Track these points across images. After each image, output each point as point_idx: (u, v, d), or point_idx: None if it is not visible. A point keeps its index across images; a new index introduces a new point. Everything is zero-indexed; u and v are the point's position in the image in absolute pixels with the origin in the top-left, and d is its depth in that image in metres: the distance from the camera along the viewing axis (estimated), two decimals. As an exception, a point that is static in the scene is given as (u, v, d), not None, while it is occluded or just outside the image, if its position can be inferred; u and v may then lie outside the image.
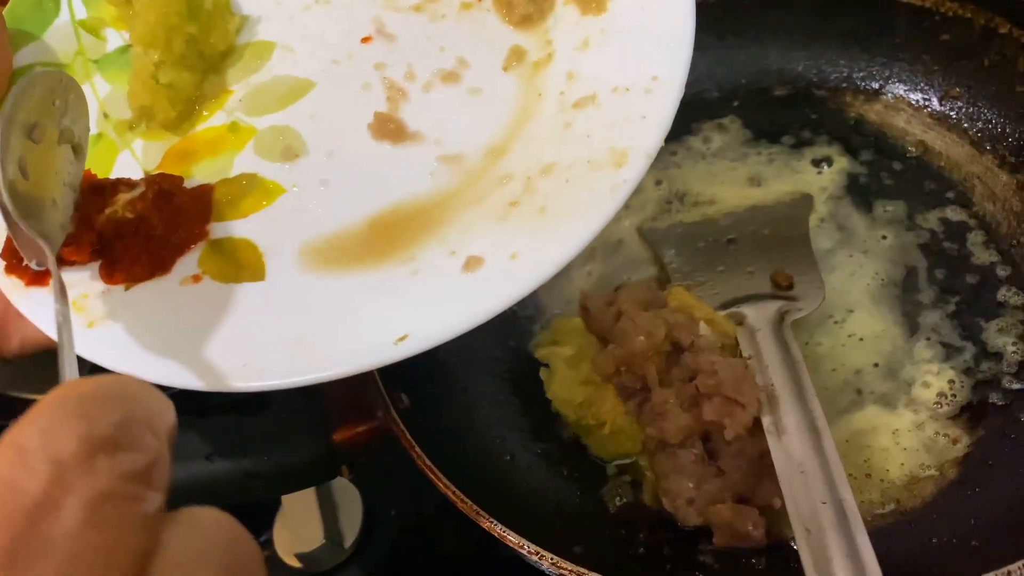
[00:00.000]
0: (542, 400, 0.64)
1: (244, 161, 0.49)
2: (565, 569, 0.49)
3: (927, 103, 0.74)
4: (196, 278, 0.45)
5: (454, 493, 0.52)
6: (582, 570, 0.48)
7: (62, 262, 0.44)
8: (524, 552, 0.50)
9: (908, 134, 0.74)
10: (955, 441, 0.59)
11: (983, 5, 0.70)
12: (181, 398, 0.59)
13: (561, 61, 0.50)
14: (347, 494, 0.71)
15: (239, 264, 0.46)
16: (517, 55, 0.51)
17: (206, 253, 0.46)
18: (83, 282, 0.45)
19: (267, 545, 0.71)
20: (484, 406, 0.65)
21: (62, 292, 0.38)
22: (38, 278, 0.45)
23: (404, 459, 0.56)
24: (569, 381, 0.62)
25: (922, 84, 0.75)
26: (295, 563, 0.69)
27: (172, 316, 0.44)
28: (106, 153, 0.50)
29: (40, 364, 0.62)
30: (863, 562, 0.46)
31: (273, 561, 0.70)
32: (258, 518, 0.72)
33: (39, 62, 0.52)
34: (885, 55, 0.76)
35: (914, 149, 0.74)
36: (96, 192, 0.45)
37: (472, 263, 0.43)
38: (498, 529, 0.50)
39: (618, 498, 0.60)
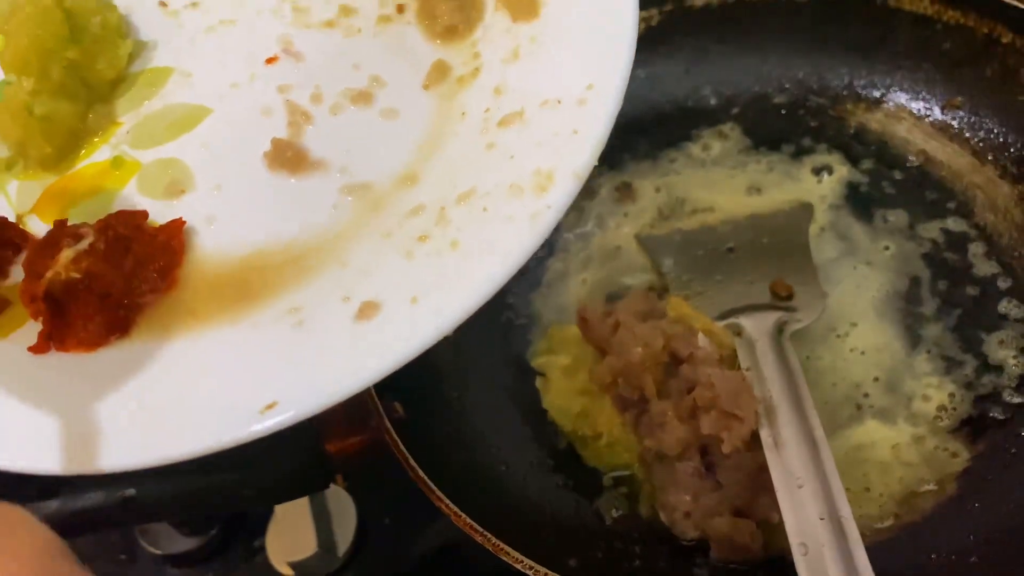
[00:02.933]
0: (538, 410, 0.63)
1: (126, 199, 0.44)
2: (559, 582, 0.48)
3: (928, 112, 0.74)
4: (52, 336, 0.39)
5: (448, 507, 0.52)
6: (577, 585, 0.48)
7: None
8: (519, 568, 0.49)
9: (909, 143, 0.74)
10: (955, 455, 0.59)
11: (985, 14, 0.70)
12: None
13: (488, 75, 0.45)
14: (341, 502, 0.71)
15: None
16: (440, 71, 0.46)
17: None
18: None
19: (260, 553, 0.70)
20: (479, 415, 0.64)
21: None
22: None
23: (399, 467, 0.55)
24: (565, 391, 0.62)
25: (924, 93, 0.74)
26: (288, 571, 0.69)
27: (18, 387, 0.38)
28: None
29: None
30: (861, 578, 0.45)
31: (266, 569, 0.70)
32: (251, 525, 0.72)
33: None
34: (887, 63, 0.75)
35: (915, 158, 0.73)
36: (37, 251, 0.40)
37: (367, 310, 0.37)
38: (492, 543, 0.50)
39: (614, 510, 0.60)
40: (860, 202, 0.72)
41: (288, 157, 0.44)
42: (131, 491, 0.54)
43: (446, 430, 0.62)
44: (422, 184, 0.42)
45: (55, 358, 0.39)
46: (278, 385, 0.36)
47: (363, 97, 0.46)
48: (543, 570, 0.48)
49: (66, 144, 0.46)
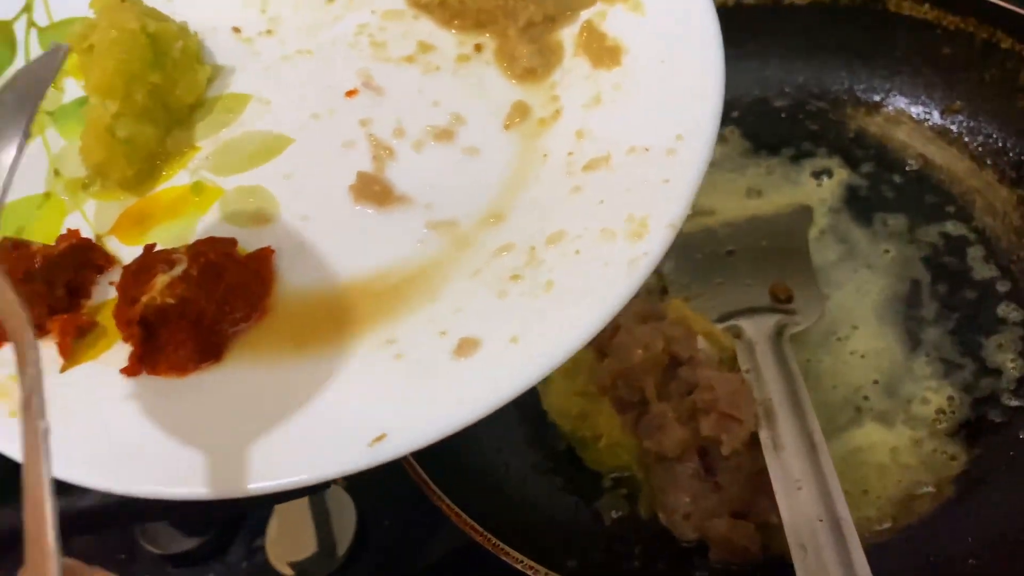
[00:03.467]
0: (538, 411, 0.64)
1: (208, 226, 0.44)
2: (558, 583, 0.48)
3: (928, 116, 0.74)
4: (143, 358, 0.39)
5: (448, 506, 0.52)
6: (576, 585, 0.48)
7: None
8: (518, 567, 0.49)
9: (909, 147, 0.74)
10: (953, 458, 0.59)
11: (985, 19, 0.70)
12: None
13: (570, 119, 0.44)
14: (340, 502, 0.71)
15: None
16: (520, 111, 0.46)
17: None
18: (9, 360, 0.38)
19: (260, 553, 0.71)
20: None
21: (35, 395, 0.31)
22: None
23: (398, 468, 0.56)
24: (565, 392, 0.62)
25: (923, 97, 0.75)
26: (288, 571, 0.69)
27: (109, 409, 0.38)
28: (53, 214, 0.45)
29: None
30: (859, 582, 0.46)
31: (266, 569, 0.70)
32: (251, 525, 0.72)
33: None
34: (886, 68, 0.76)
35: (914, 162, 0.74)
36: (130, 275, 0.40)
37: (466, 346, 0.37)
38: (491, 543, 0.50)
39: (613, 511, 0.60)
40: (859, 206, 0.72)
41: (375, 191, 0.44)
42: (133, 490, 0.54)
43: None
44: (509, 223, 0.42)
45: (146, 381, 0.39)
46: (384, 417, 0.36)
47: (445, 134, 0.46)
48: (543, 570, 0.49)
49: (145, 167, 0.46)
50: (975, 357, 0.63)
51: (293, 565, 0.68)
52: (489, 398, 0.35)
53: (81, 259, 0.41)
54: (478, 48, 0.48)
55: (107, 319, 0.41)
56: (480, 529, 0.51)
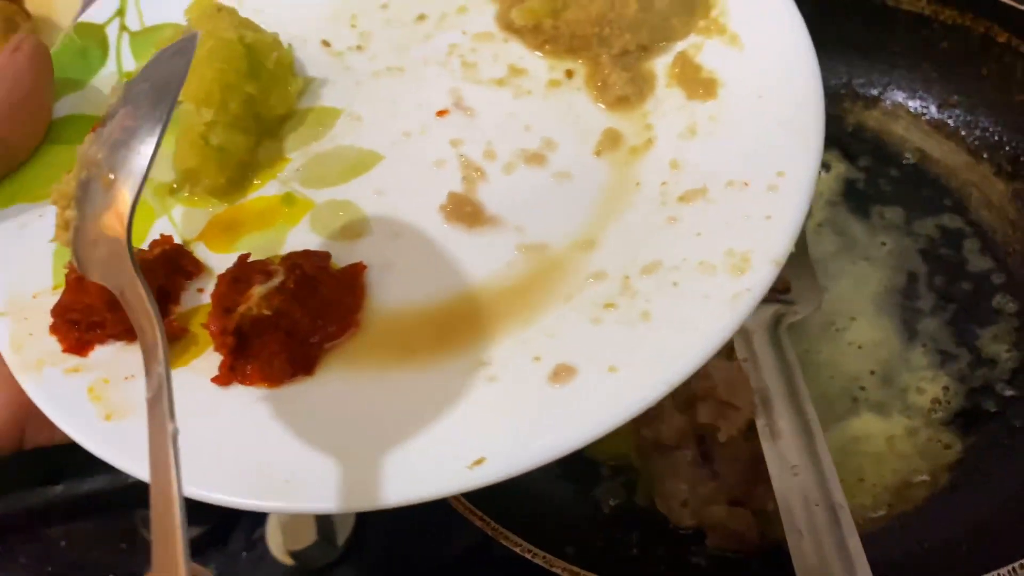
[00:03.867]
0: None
1: (298, 237, 0.44)
2: (558, 567, 0.49)
3: (926, 110, 0.75)
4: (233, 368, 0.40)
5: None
6: (575, 569, 0.48)
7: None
8: (517, 551, 0.50)
9: (906, 141, 0.75)
10: (948, 447, 0.60)
11: (982, 14, 0.70)
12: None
13: (663, 148, 0.44)
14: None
15: None
16: (611, 139, 0.46)
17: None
18: (104, 364, 0.39)
19: (260, 542, 0.71)
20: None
21: (168, 401, 0.31)
22: (79, 346, 0.40)
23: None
24: (564, 381, 0.62)
25: (921, 92, 0.75)
26: (288, 560, 0.69)
27: (203, 416, 0.38)
28: (142, 219, 0.45)
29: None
30: (854, 565, 0.46)
31: (266, 559, 0.70)
32: (252, 515, 0.72)
33: (79, 113, 0.48)
34: (884, 62, 0.76)
35: (912, 156, 0.74)
36: (228, 285, 0.40)
37: (562, 373, 0.37)
38: (491, 527, 0.50)
39: (612, 499, 0.60)
40: (857, 199, 0.72)
41: (467, 212, 0.44)
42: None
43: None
44: (601, 250, 0.42)
45: (237, 390, 0.39)
46: (482, 439, 0.36)
47: (536, 158, 0.46)
48: (541, 554, 0.49)
49: (236, 175, 0.46)
50: (970, 347, 0.64)
51: (293, 555, 0.68)
52: (588, 429, 0.35)
53: (172, 265, 0.42)
54: (569, 74, 0.48)
55: (197, 326, 0.41)
56: (480, 514, 0.51)
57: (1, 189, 0.45)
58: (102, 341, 0.40)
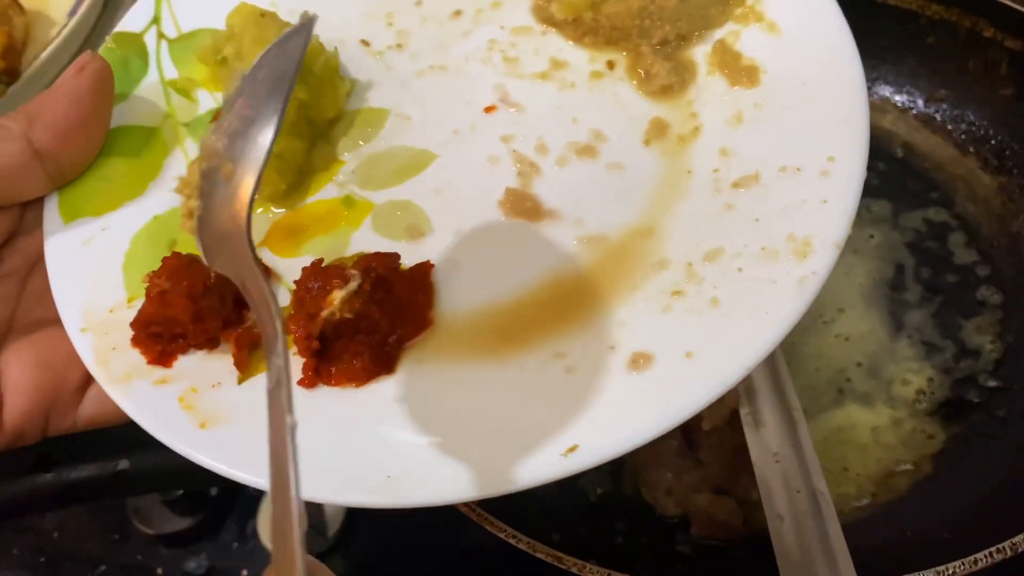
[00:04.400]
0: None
1: (362, 239, 0.44)
2: (542, 553, 0.49)
3: (913, 105, 0.75)
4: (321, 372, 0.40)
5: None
6: (559, 554, 0.49)
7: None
8: (502, 536, 0.50)
9: (894, 135, 0.75)
10: (931, 437, 0.60)
11: (968, 9, 0.71)
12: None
13: (711, 136, 0.45)
14: (332, 483, 0.72)
15: None
16: (658, 128, 0.46)
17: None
18: (190, 373, 0.40)
19: (252, 533, 0.71)
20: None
21: (288, 395, 0.31)
22: (163, 358, 0.41)
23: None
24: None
25: (908, 86, 0.76)
26: (279, 550, 0.69)
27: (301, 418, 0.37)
28: None
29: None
30: (834, 550, 0.46)
31: (258, 549, 0.71)
32: (244, 506, 0.72)
33: (129, 124, 0.48)
34: (872, 57, 0.77)
35: (899, 150, 0.75)
36: (306, 291, 0.40)
37: (639, 360, 0.38)
38: (476, 513, 0.51)
39: (598, 487, 0.61)
40: (844, 192, 0.73)
41: (526, 207, 0.44)
42: (124, 463, 0.55)
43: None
44: (660, 238, 0.42)
45: (323, 392, 0.39)
46: (572, 429, 0.36)
47: (588, 150, 0.46)
48: (526, 539, 0.50)
49: (295, 180, 0.46)
50: (955, 339, 0.64)
51: (284, 544, 0.69)
52: (673, 413, 0.36)
53: None
54: (610, 65, 0.48)
55: None
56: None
57: (64, 204, 0.45)
58: (185, 351, 0.41)
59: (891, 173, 0.74)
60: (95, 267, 0.43)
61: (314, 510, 0.70)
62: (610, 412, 0.37)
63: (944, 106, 0.74)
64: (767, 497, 0.50)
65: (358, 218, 0.45)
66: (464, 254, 0.43)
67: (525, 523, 0.52)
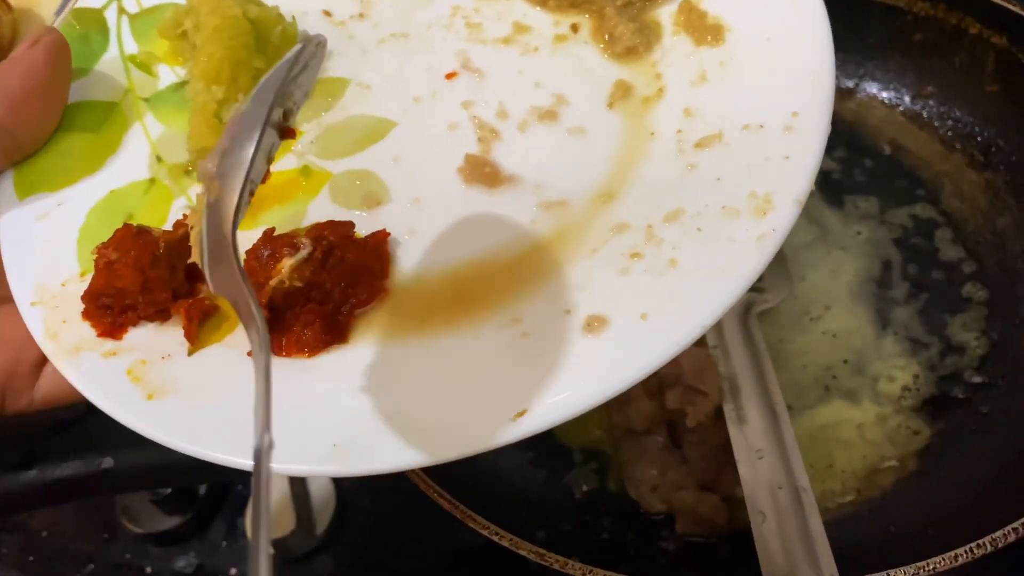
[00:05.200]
0: (511, 388, 0.64)
1: (319, 209, 0.44)
2: (524, 550, 0.49)
3: (899, 101, 0.75)
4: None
5: (418, 475, 0.53)
6: (541, 551, 0.49)
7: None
8: (484, 533, 0.50)
9: (881, 132, 0.75)
10: (916, 433, 0.60)
11: (954, 6, 0.71)
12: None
13: (675, 96, 0.44)
14: (320, 482, 0.71)
15: None
16: (623, 90, 0.45)
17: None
18: (140, 346, 0.40)
19: (240, 532, 0.71)
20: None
21: (266, 379, 0.31)
22: (114, 330, 0.40)
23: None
24: (538, 369, 0.63)
25: (895, 83, 0.76)
26: (268, 549, 0.69)
27: (243, 387, 0.36)
28: (160, 200, 0.45)
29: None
30: (816, 546, 0.47)
31: (246, 547, 0.71)
32: (232, 504, 0.72)
33: (89, 99, 0.48)
34: (859, 54, 0.77)
35: (886, 147, 0.75)
36: (255, 260, 0.40)
37: (594, 323, 0.37)
38: (459, 510, 0.51)
39: (584, 484, 0.61)
40: (832, 189, 0.73)
41: (485, 173, 0.44)
42: (108, 461, 0.55)
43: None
44: (621, 202, 0.42)
45: (274, 363, 0.38)
46: (521, 393, 0.36)
47: (549, 115, 0.45)
48: (508, 535, 0.50)
49: None
50: (940, 336, 0.64)
51: (272, 543, 0.69)
52: (625, 374, 0.35)
53: None
54: (574, 28, 0.48)
55: (227, 303, 0.40)
56: (448, 496, 0.52)
57: (19, 180, 0.45)
58: (135, 323, 0.41)
59: (878, 170, 0.74)
60: (49, 242, 0.43)
61: (302, 509, 0.70)
62: (561, 376, 0.36)
63: (931, 103, 0.74)
64: (750, 494, 0.50)
65: (315, 188, 0.45)
66: (422, 222, 0.43)
67: (511, 520, 0.52)
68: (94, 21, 0.50)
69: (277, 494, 0.70)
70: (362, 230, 0.42)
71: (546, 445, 0.63)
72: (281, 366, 0.39)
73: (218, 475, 0.59)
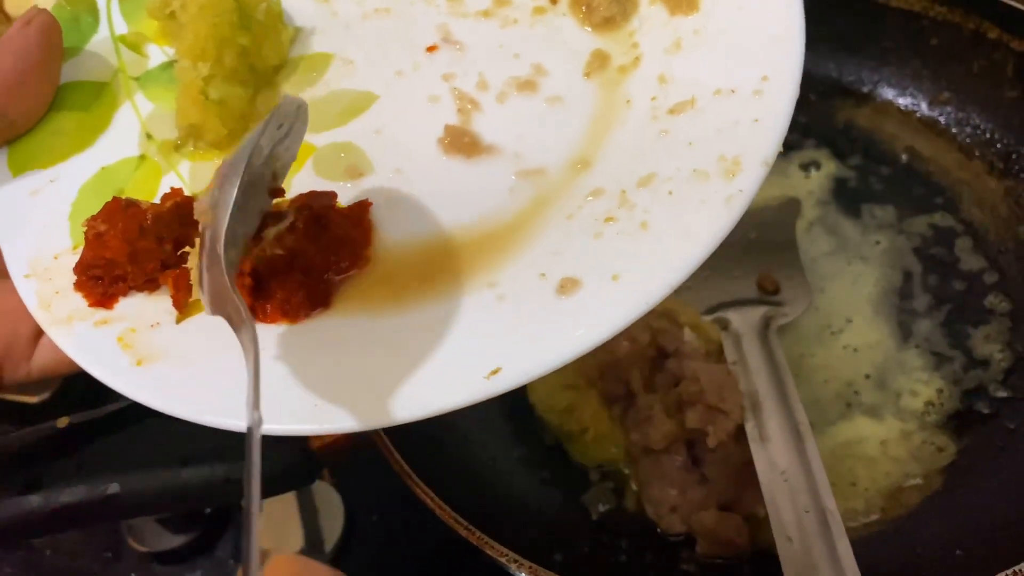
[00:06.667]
0: (525, 405, 0.63)
1: (303, 181, 0.46)
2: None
3: (916, 107, 0.74)
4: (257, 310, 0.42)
5: (432, 500, 0.52)
6: (559, 577, 0.48)
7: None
8: (503, 561, 0.49)
9: (897, 139, 0.74)
10: (941, 449, 0.59)
11: (972, 10, 0.70)
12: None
13: (650, 64, 0.46)
14: (328, 499, 0.71)
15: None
16: (600, 60, 0.47)
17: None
18: (129, 315, 0.42)
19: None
20: (465, 410, 0.64)
21: (255, 377, 0.33)
22: (105, 300, 0.42)
23: (386, 465, 0.55)
24: (552, 386, 0.62)
25: (911, 88, 0.75)
26: (275, 568, 0.69)
27: (227, 353, 0.39)
28: (150, 176, 0.47)
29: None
30: (844, 571, 0.45)
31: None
32: (238, 523, 0.72)
33: (80, 80, 0.49)
34: (875, 59, 0.76)
35: (903, 154, 0.74)
36: None
37: (567, 285, 0.39)
38: (476, 537, 0.50)
39: (600, 504, 0.60)
40: (848, 197, 0.72)
41: (464, 143, 0.45)
42: (115, 486, 0.54)
43: (432, 425, 0.62)
44: (597, 168, 0.43)
45: (261, 330, 0.40)
46: (496, 353, 0.37)
47: (528, 85, 0.47)
48: (527, 563, 0.48)
49: (238, 126, 0.47)
50: (963, 349, 0.63)
51: (280, 561, 0.68)
52: (594, 332, 0.36)
53: (186, 216, 0.43)
54: (553, 0, 0.49)
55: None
56: (463, 522, 0.51)
57: (12, 157, 0.47)
58: (125, 293, 0.42)
59: (895, 177, 0.73)
60: (42, 217, 0.45)
61: (311, 526, 0.69)
62: (533, 335, 0.38)
63: (948, 109, 0.73)
64: (775, 517, 0.49)
65: (300, 160, 0.46)
66: (403, 192, 0.44)
67: (526, 542, 0.51)
68: (84, 2, 0.51)
69: (285, 512, 0.69)
70: (345, 201, 0.44)
71: (561, 465, 0.62)
72: (265, 332, 0.40)
73: (225, 498, 0.58)
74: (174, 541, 0.71)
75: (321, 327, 0.40)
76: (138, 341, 0.41)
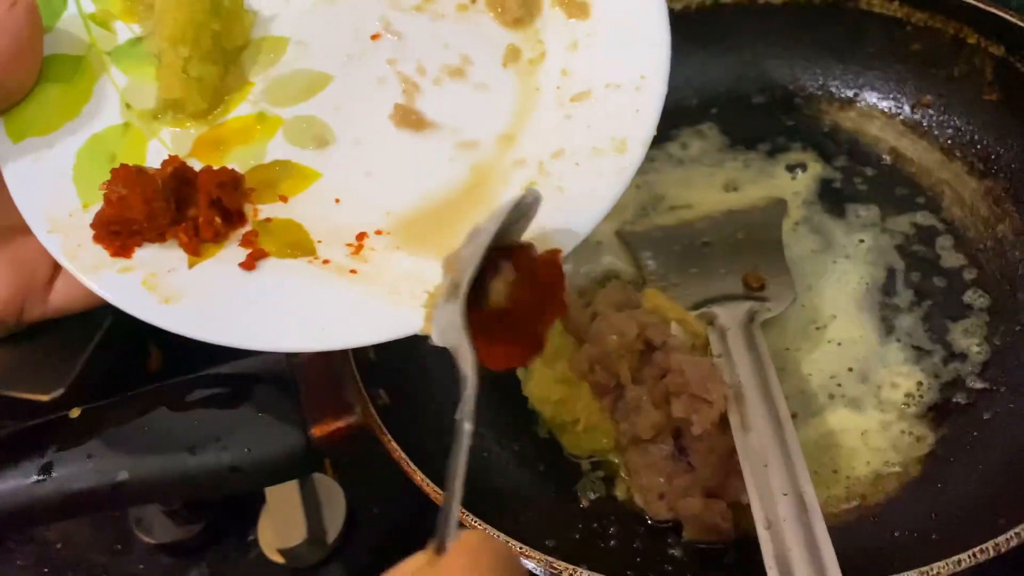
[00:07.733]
0: (519, 398, 0.65)
1: (276, 148, 0.53)
2: (534, 558, 0.50)
3: (899, 111, 0.76)
4: (256, 255, 0.49)
5: (428, 485, 0.54)
6: (551, 559, 0.50)
7: None
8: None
9: (881, 141, 0.76)
10: (920, 439, 0.61)
11: (952, 16, 0.72)
12: (163, 393, 0.60)
13: (554, 59, 0.54)
14: (330, 491, 0.72)
15: (290, 242, 0.49)
16: (513, 53, 0.54)
17: (261, 235, 0.50)
18: (147, 262, 0.48)
19: (253, 542, 0.72)
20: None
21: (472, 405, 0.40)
22: (124, 249, 0.48)
23: (387, 458, 0.57)
24: (545, 379, 0.64)
25: (895, 92, 0.77)
26: (279, 558, 0.70)
27: (238, 290, 0.47)
28: (136, 143, 0.53)
29: (34, 365, 0.64)
30: (820, 552, 0.47)
31: (258, 559, 0.72)
32: (244, 515, 0.73)
33: (58, 53, 0.54)
34: (859, 64, 0.78)
35: (887, 155, 0.76)
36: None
37: None
38: (470, 520, 0.52)
39: (591, 493, 0.61)
40: (833, 198, 0.74)
41: (412, 119, 0.53)
42: (124, 474, 0.56)
43: (430, 418, 0.64)
44: (519, 143, 0.52)
45: (273, 267, 0.48)
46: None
47: (458, 72, 0.54)
48: (517, 543, 0.50)
49: (213, 100, 0.54)
50: (943, 343, 0.65)
51: (283, 552, 0.69)
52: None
53: (183, 179, 0.49)
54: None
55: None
56: (464, 511, 0.52)
57: (10, 126, 0.51)
58: (140, 244, 0.48)
59: (879, 178, 0.75)
60: (49, 180, 0.50)
61: (313, 518, 0.71)
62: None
63: (930, 112, 0.75)
64: (756, 502, 0.51)
65: (271, 130, 0.53)
66: (364, 160, 0.52)
67: (519, 527, 0.53)
68: None
69: (287, 505, 0.71)
70: (314, 165, 0.52)
71: (554, 456, 0.63)
72: (275, 269, 0.48)
73: (231, 486, 0.60)
74: (182, 533, 0.72)
75: (324, 264, 0.49)
76: (160, 283, 0.47)
